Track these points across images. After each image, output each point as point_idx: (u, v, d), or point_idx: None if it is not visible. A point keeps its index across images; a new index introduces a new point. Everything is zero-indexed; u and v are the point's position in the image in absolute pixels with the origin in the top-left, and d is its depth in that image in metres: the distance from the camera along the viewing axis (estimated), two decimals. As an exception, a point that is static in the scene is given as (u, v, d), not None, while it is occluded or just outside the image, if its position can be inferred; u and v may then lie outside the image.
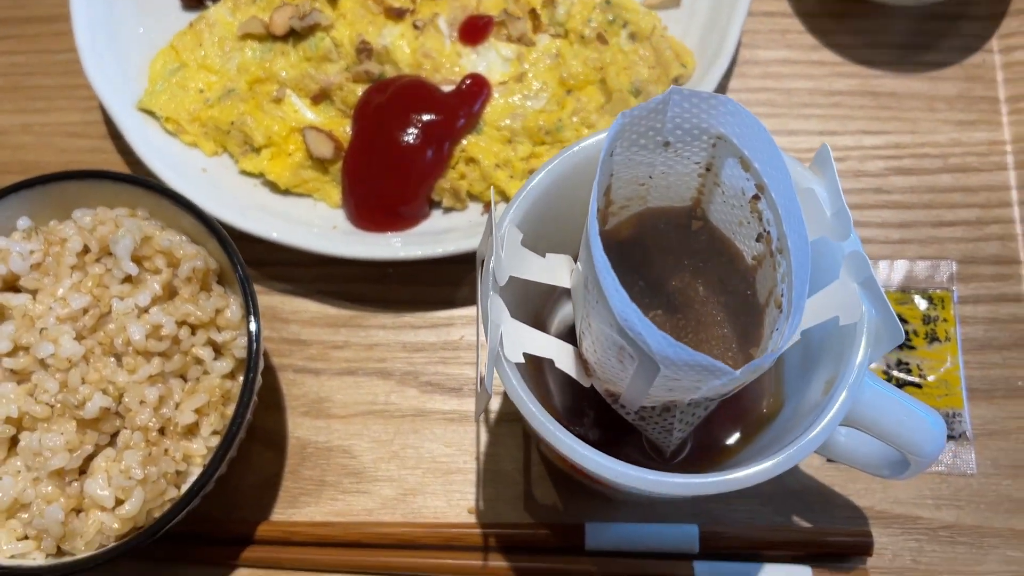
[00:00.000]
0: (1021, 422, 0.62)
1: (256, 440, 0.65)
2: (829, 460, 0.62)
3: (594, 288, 0.41)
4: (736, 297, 0.49)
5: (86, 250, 0.58)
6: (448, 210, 0.67)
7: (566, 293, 0.57)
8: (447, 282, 0.68)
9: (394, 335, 0.67)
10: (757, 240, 0.46)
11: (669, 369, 0.39)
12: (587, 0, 0.68)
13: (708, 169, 0.46)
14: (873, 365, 0.64)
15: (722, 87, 0.71)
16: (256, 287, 0.68)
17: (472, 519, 0.62)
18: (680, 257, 0.51)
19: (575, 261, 0.48)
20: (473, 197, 0.67)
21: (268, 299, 0.68)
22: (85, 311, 0.56)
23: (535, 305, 0.58)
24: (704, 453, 0.55)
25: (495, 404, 0.65)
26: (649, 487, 0.42)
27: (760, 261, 0.46)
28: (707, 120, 0.43)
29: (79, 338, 0.55)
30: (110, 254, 0.58)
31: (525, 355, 0.47)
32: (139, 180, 0.60)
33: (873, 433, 0.46)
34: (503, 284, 0.46)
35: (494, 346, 0.44)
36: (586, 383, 0.48)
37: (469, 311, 0.67)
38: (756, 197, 0.44)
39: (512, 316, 0.47)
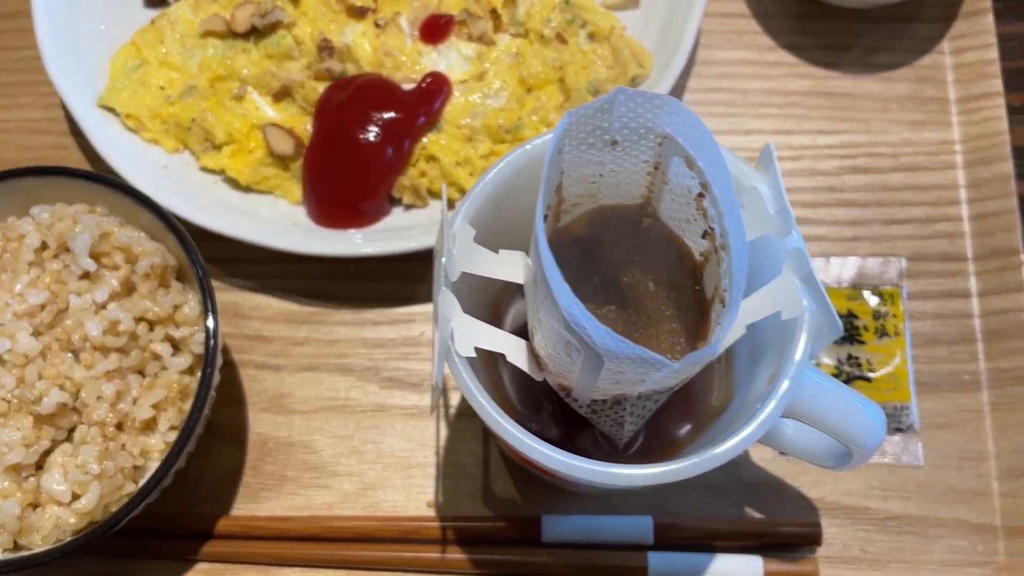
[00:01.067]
0: (967, 415, 0.64)
1: (216, 436, 0.65)
2: (782, 453, 0.64)
3: (542, 283, 0.42)
4: (685, 293, 0.50)
5: (44, 246, 0.58)
6: (409, 207, 0.68)
7: (522, 289, 0.58)
8: (408, 279, 0.68)
9: (355, 331, 0.68)
10: (703, 237, 0.47)
11: (612, 362, 0.40)
12: (547, 0, 0.69)
13: (656, 167, 0.47)
14: (827, 360, 0.66)
15: (680, 87, 0.72)
16: (218, 283, 0.69)
17: (431, 512, 0.63)
18: (632, 254, 0.52)
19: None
20: (433, 194, 0.68)
21: (230, 295, 0.69)
22: (43, 307, 0.56)
23: (493, 301, 0.59)
24: (657, 445, 0.56)
25: (455, 399, 0.66)
26: (592, 477, 0.43)
27: (707, 257, 0.47)
28: (652, 120, 0.44)
29: (36, 334, 0.56)
30: (68, 250, 0.58)
31: (482, 351, 0.48)
32: (98, 177, 0.60)
33: (815, 425, 0.47)
34: (455, 280, 0.47)
35: (444, 340, 0.45)
36: (538, 377, 0.49)
37: (430, 307, 0.68)
38: (701, 195, 0.45)
39: (468, 311, 0.48)
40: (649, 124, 0.44)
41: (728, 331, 0.41)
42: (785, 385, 0.44)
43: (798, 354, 0.45)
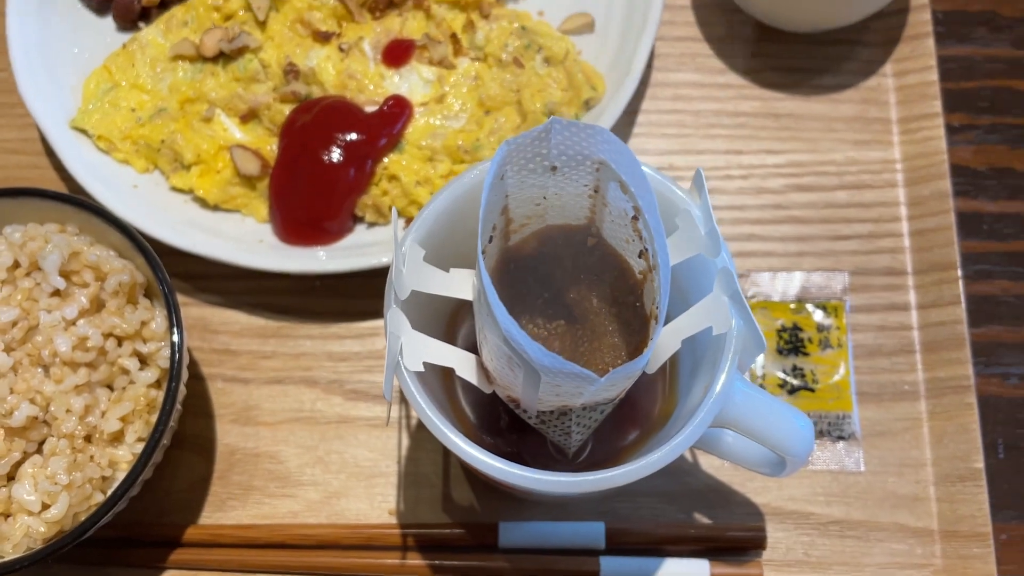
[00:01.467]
0: (907, 423, 0.67)
1: (185, 447, 0.67)
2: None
3: (484, 301, 0.44)
4: (627, 309, 0.53)
5: (16, 265, 0.60)
6: (372, 225, 0.70)
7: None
8: (372, 294, 0.71)
9: (321, 345, 0.70)
10: (640, 256, 0.49)
11: (548, 376, 0.43)
12: (504, 26, 0.72)
13: (596, 191, 0.50)
14: (774, 372, 0.69)
15: (634, 108, 0.75)
16: (187, 299, 0.71)
17: (393, 520, 0.65)
18: (579, 271, 0.54)
19: (478, 276, 0.51)
20: (396, 213, 0.70)
21: (199, 311, 0.71)
22: (14, 324, 0.58)
23: (450, 318, 0.61)
24: (605, 454, 0.59)
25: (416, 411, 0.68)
26: (527, 483, 0.46)
27: (645, 276, 0.50)
28: (588, 147, 0.47)
29: (8, 350, 0.58)
30: (39, 269, 0.60)
31: (438, 366, 0.50)
32: (68, 197, 0.63)
33: (746, 434, 0.50)
34: (404, 298, 0.49)
35: (393, 355, 0.48)
36: (487, 390, 0.52)
37: (393, 321, 0.70)
38: (635, 217, 0.48)
39: (424, 327, 0.50)
40: (585, 151, 0.47)
41: (653, 347, 0.44)
42: (714, 396, 0.47)
43: (726, 367, 0.47)
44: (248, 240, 0.69)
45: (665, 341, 0.50)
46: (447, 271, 0.51)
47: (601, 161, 0.47)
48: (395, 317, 0.48)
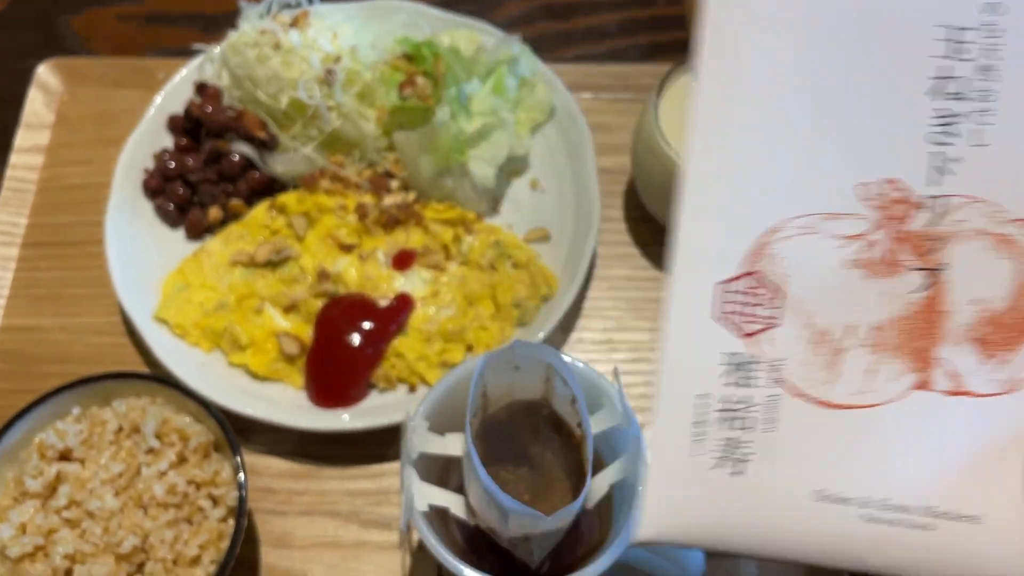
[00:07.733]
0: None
1: (238, 566, 0.86)
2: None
3: (471, 462, 0.66)
4: (572, 462, 0.74)
5: (120, 429, 0.81)
6: (383, 391, 0.92)
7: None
8: (381, 444, 0.91)
9: (340, 484, 0.91)
10: (578, 426, 0.71)
11: (512, 515, 0.64)
12: (484, 238, 0.96)
13: (547, 380, 0.72)
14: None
15: (580, 296, 0.99)
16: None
17: (398, 623, 0.85)
18: (537, 433, 0.76)
19: (465, 439, 0.72)
20: (401, 381, 0.92)
21: (248, 458, 0.91)
22: (120, 475, 0.79)
23: (445, 464, 0.82)
24: (560, 569, 0.79)
25: (415, 535, 0.88)
26: (501, 590, 0.66)
27: (582, 440, 0.72)
28: (539, 356, 0.69)
29: (116, 495, 0.78)
30: (138, 431, 0.81)
31: (436, 505, 0.71)
32: (157, 378, 0.84)
33: (652, 551, 0.71)
34: (415, 458, 0.70)
35: (408, 500, 0.69)
36: (472, 523, 0.72)
37: (398, 465, 0.90)
38: (573, 401, 0.70)
39: (426, 475, 0.71)
40: (537, 358, 0.70)
41: (585, 493, 0.65)
42: (618, 536, 0.68)
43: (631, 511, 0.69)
44: (287, 404, 0.91)
45: (597, 485, 0.72)
46: (444, 435, 0.73)
47: (548, 364, 0.70)
48: (409, 473, 0.69)
